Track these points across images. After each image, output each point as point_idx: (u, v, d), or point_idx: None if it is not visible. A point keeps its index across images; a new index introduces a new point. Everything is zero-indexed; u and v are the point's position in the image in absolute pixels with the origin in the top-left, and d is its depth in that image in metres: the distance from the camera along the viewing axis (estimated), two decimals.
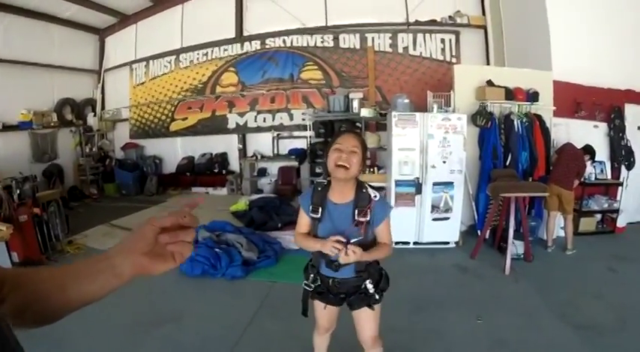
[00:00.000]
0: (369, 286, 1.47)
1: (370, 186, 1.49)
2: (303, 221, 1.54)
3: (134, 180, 7.64)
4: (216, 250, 3.53)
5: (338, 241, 1.35)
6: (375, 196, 1.44)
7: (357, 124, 6.27)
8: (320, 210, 1.44)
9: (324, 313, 1.62)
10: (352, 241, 1.37)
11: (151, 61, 8.14)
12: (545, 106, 4.41)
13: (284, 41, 7.03)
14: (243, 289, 3.17)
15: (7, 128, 6.76)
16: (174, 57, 7.87)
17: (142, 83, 8.27)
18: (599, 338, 2.36)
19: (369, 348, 1.61)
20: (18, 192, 4.00)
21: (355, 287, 1.49)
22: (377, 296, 1.49)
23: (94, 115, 8.60)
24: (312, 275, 1.54)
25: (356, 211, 1.41)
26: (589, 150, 4.07)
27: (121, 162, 8.02)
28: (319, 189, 1.49)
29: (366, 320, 1.56)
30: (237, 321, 2.62)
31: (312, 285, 1.54)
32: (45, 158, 7.38)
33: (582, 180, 4.29)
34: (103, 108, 8.82)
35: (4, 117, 6.73)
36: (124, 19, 8.52)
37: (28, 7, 7.01)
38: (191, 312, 2.79)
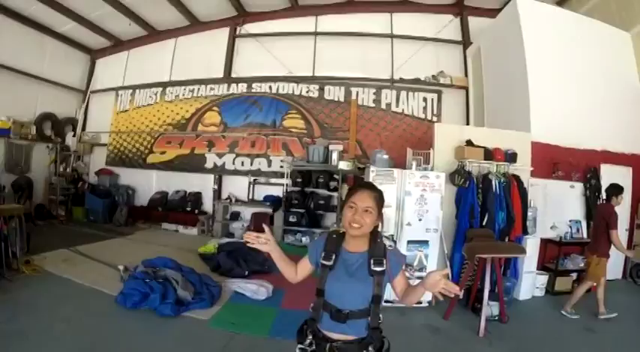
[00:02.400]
0: (372, 350, 1.34)
1: (384, 235, 1.46)
2: (303, 265, 1.50)
3: (104, 207, 7.45)
4: (147, 281, 3.44)
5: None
6: (390, 246, 1.41)
7: (335, 176, 6.29)
8: (333, 257, 1.38)
9: None
10: (353, 312, 1.33)
11: (137, 90, 8.14)
12: (523, 167, 4.47)
13: (270, 87, 7.15)
14: (199, 336, 2.97)
15: None
16: (160, 89, 7.90)
17: (126, 110, 8.21)
18: None
19: None
20: None
21: (355, 350, 1.35)
22: None
23: (74, 135, 8.47)
24: (309, 338, 1.38)
25: (372, 261, 1.36)
26: (612, 188, 3.89)
27: (93, 187, 7.83)
28: (334, 236, 1.43)
29: None
30: None
31: (309, 349, 1.37)
32: (17, 170, 7.17)
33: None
34: (83, 129, 8.71)
35: None
36: (118, 44, 8.60)
37: (24, 14, 7.01)
38: None
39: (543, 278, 4.53)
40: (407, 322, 3.59)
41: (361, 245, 1.41)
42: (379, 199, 1.41)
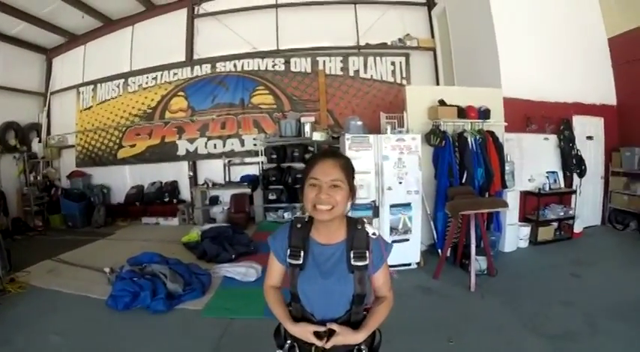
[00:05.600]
0: (365, 350, 1.13)
1: (365, 221, 1.18)
2: (275, 268, 1.20)
3: (81, 210, 7.19)
4: (134, 279, 3.37)
5: (316, 333, 1.05)
6: (374, 234, 1.12)
7: (310, 149, 6.19)
8: (302, 254, 1.10)
9: None
10: (336, 321, 1.08)
11: (98, 85, 7.81)
12: (497, 123, 4.51)
13: (235, 65, 6.94)
14: (195, 327, 2.92)
15: None
16: (122, 80, 7.59)
17: (89, 108, 7.89)
18: (573, 344, 2.40)
19: None
20: None
21: None
22: None
23: (39, 141, 8.11)
24: (288, 342, 1.15)
25: (352, 254, 1.09)
26: None
27: (67, 192, 7.54)
28: (298, 226, 1.14)
29: None
30: None
31: None
32: None
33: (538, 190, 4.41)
34: (48, 133, 8.34)
35: None
36: (73, 39, 8.20)
37: None
38: None
39: (526, 230, 4.62)
40: (398, 285, 3.49)
41: (335, 233, 1.13)
42: (347, 168, 1.11)
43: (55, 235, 6.67)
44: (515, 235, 4.52)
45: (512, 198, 4.42)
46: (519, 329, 2.62)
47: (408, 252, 3.97)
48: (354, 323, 1.11)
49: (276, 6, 7.15)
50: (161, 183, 7.21)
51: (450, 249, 3.99)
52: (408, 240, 3.96)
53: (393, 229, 3.93)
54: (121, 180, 7.62)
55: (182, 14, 7.37)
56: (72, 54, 8.27)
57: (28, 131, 8.04)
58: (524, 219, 4.80)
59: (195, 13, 7.36)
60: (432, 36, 7.08)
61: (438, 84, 6.81)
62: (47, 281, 4.13)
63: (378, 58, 6.92)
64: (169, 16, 7.46)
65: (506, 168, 4.46)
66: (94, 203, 7.39)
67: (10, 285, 3.91)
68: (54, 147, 8.19)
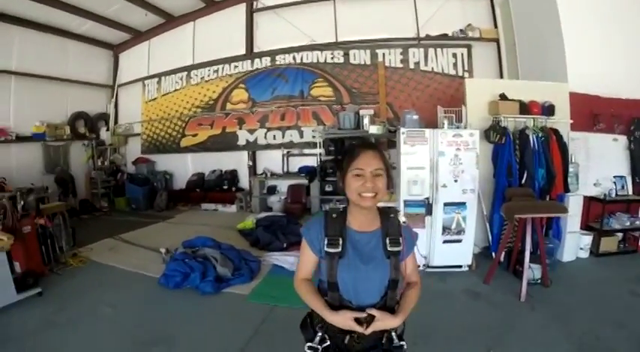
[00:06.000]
0: (395, 336, 1.18)
1: (397, 209, 1.26)
2: (307, 259, 1.22)
3: (144, 194, 7.68)
4: (186, 261, 3.54)
5: (357, 319, 1.10)
6: (404, 222, 1.20)
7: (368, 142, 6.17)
8: (341, 242, 1.15)
9: None
10: (374, 306, 1.12)
11: (162, 78, 8.25)
12: (561, 120, 4.20)
13: (294, 58, 7.01)
14: (239, 310, 3.05)
15: (21, 139, 6.96)
16: (185, 73, 7.95)
17: (154, 99, 8.37)
18: None
19: None
20: (22, 203, 4.03)
21: (377, 340, 1.18)
22: (405, 346, 1.21)
23: (107, 129, 8.77)
24: (319, 334, 1.18)
25: (387, 240, 1.16)
26: None
27: (132, 177, 8.09)
28: (334, 216, 1.19)
29: None
30: (227, 349, 2.50)
31: (320, 347, 1.17)
32: (57, 170, 7.53)
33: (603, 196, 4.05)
34: (115, 122, 8.98)
35: (17, 129, 6.93)
36: (138, 36, 8.70)
37: (41, 22, 7.21)
38: (184, 332, 2.71)
39: (587, 239, 4.23)
40: (446, 287, 3.51)
41: (372, 221, 1.20)
42: (384, 157, 1.18)
43: (118, 216, 7.18)
44: (575, 244, 4.17)
45: (574, 203, 4.08)
46: (566, 347, 2.44)
47: (459, 254, 3.80)
48: (389, 308, 1.15)
49: None
50: (221, 171, 7.51)
51: (504, 253, 3.78)
52: (460, 241, 3.78)
53: (445, 229, 3.77)
54: (183, 167, 8.03)
55: (241, 9, 7.55)
56: (137, 49, 8.81)
57: (96, 120, 8.70)
58: (586, 226, 4.39)
59: (254, 7, 7.50)
60: (495, 26, 6.74)
61: (501, 77, 6.51)
62: (107, 257, 4.44)
63: (438, 50, 6.70)
64: (229, 11, 7.67)
65: (570, 169, 4.12)
66: (157, 188, 7.86)
67: (72, 259, 4.27)
68: (121, 135, 8.81)
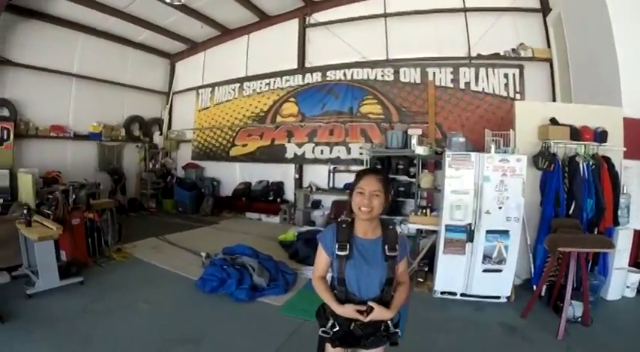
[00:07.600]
0: (391, 324, 1.48)
1: (395, 222, 1.56)
2: (322, 260, 1.51)
3: (191, 198, 8.10)
4: (224, 267, 3.65)
5: (358, 310, 1.38)
6: (400, 232, 1.52)
7: (414, 162, 6.17)
8: (348, 246, 1.44)
9: None
10: (373, 299, 1.41)
11: (216, 88, 8.69)
12: (614, 147, 3.96)
13: (344, 74, 7.16)
14: (270, 321, 3.12)
15: (78, 137, 7.57)
16: (238, 85, 8.34)
17: (207, 108, 8.83)
18: None
19: None
20: (74, 197, 4.30)
21: (375, 327, 1.46)
22: (400, 333, 1.51)
23: (160, 134, 9.35)
24: (331, 321, 1.47)
25: (386, 247, 1.44)
26: None
27: (180, 181, 8.56)
28: (344, 226, 1.48)
29: None
30: None
31: (331, 332, 1.46)
32: (110, 169, 8.13)
33: None
34: (169, 128, 9.54)
35: (76, 127, 7.55)
36: (194, 46, 9.24)
37: (103, 29, 7.83)
38: (212, 336, 2.79)
39: (635, 277, 3.94)
40: (481, 317, 3.43)
41: (373, 230, 1.48)
42: (385, 182, 1.47)
43: (165, 217, 7.59)
44: (622, 281, 3.91)
45: (623, 237, 3.85)
46: None
47: (498, 284, 3.66)
48: (385, 301, 1.44)
49: (385, 15, 7.20)
50: (268, 182, 7.76)
51: (545, 287, 3.62)
52: (500, 270, 3.64)
53: (486, 257, 3.64)
54: (230, 175, 8.39)
55: (294, 24, 7.82)
56: (193, 59, 9.35)
57: (150, 124, 9.30)
58: (635, 263, 4.08)
59: (307, 23, 7.75)
60: (548, 45, 6.53)
61: (554, 99, 6.30)
62: (149, 255, 4.66)
63: (490, 70, 6.57)
64: (282, 25, 7.98)
65: (621, 200, 3.84)
66: (204, 193, 8.27)
67: (116, 254, 4.55)
68: (173, 140, 9.36)
